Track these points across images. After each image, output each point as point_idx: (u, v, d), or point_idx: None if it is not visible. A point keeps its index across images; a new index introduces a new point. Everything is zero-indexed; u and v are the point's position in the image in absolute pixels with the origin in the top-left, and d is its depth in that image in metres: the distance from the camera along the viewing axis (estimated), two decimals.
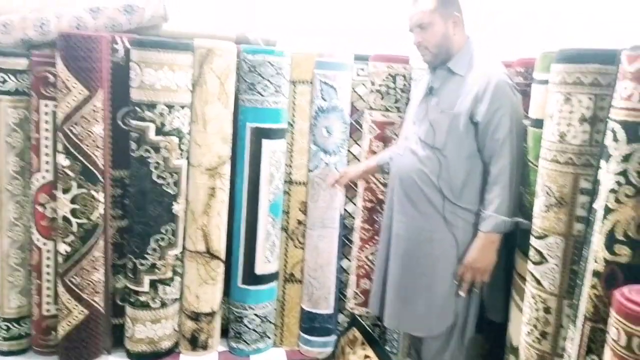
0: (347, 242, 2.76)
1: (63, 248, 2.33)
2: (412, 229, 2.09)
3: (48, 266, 2.44)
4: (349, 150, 2.69)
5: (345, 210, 2.72)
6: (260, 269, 2.61)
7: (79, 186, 2.30)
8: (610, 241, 1.43)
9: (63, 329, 2.38)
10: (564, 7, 2.54)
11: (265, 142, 2.53)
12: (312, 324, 2.72)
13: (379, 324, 2.63)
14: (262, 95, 2.49)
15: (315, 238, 2.66)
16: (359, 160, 2.67)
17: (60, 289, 2.36)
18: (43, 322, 2.48)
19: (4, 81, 2.32)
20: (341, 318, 2.80)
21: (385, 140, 2.54)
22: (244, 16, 2.83)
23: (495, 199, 1.94)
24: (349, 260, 2.74)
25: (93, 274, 2.38)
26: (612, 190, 1.42)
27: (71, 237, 2.32)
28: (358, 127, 2.68)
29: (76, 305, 2.37)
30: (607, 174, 1.44)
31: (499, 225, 1.95)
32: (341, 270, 2.77)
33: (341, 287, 2.78)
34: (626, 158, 1.40)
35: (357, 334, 2.64)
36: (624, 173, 1.40)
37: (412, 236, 2.09)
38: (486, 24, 2.69)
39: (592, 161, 1.61)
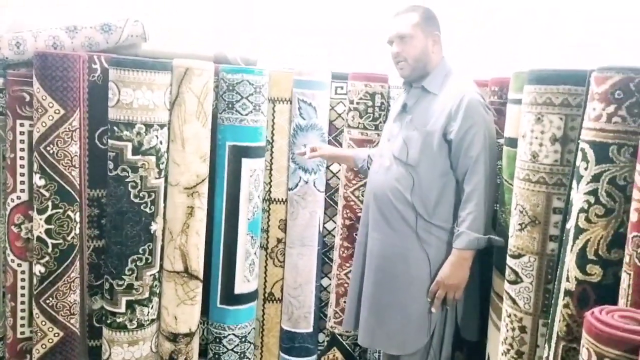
0: (327, 260, 2.75)
1: (38, 269, 2.29)
2: (386, 246, 2.10)
3: (23, 287, 2.40)
4: (328, 168, 2.69)
5: (324, 227, 2.72)
6: (240, 288, 2.59)
7: (55, 206, 2.27)
8: (582, 260, 1.43)
9: (38, 351, 2.34)
10: (540, 26, 2.59)
11: (245, 161, 2.53)
12: (292, 343, 2.70)
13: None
14: (241, 113, 2.49)
15: (295, 256, 2.65)
16: (338, 178, 2.67)
17: (35, 311, 2.32)
18: (18, 345, 2.43)
19: None
20: (321, 337, 2.78)
21: None
22: (223, 35, 2.84)
23: (468, 216, 1.95)
24: (329, 278, 2.73)
25: (69, 295, 2.35)
26: (583, 210, 1.43)
27: (46, 258, 2.29)
28: (337, 145, 2.69)
29: (51, 328, 2.33)
30: (578, 194, 1.46)
31: (472, 242, 1.95)
32: (321, 289, 2.76)
33: (321, 305, 2.77)
34: (596, 178, 1.41)
35: (338, 353, 2.63)
36: (594, 193, 1.42)
37: (385, 253, 2.10)
38: (464, 41, 2.73)
39: (564, 181, 1.63)
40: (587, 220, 1.42)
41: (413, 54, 2.06)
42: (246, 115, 2.49)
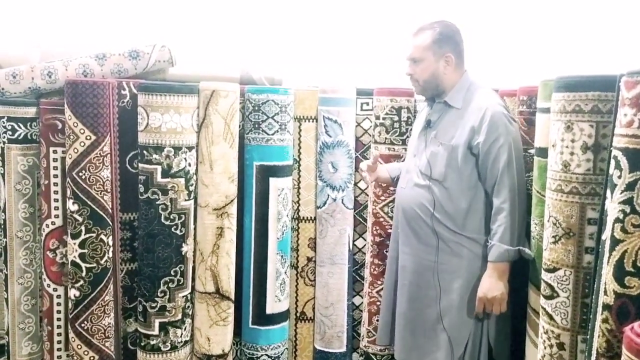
0: (358, 278, 2.72)
1: (73, 293, 2.33)
2: (418, 261, 2.11)
3: (59, 312, 2.44)
4: (356, 185, 2.68)
5: (354, 245, 2.69)
6: (271, 308, 2.58)
7: (88, 230, 2.31)
8: (620, 273, 1.37)
9: None
10: (566, 34, 2.54)
11: (272, 180, 2.53)
12: None
13: None
14: (267, 133, 2.50)
15: (325, 275, 2.62)
16: (367, 195, 2.65)
17: (71, 335, 2.35)
18: None
19: (14, 130, 2.37)
20: (355, 357, 2.74)
21: None
22: (248, 55, 2.86)
23: (499, 229, 1.96)
24: (361, 296, 2.70)
25: (103, 318, 2.37)
26: (618, 220, 1.37)
27: (81, 282, 2.32)
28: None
29: (87, 351, 2.36)
30: (613, 203, 1.40)
31: (502, 255, 1.95)
32: (353, 307, 2.72)
33: (354, 324, 2.73)
34: (630, 186, 1.35)
35: None
36: (629, 202, 1.36)
37: (417, 268, 2.11)
38: (489, 49, 2.70)
39: (598, 190, 1.57)
40: (623, 230, 1.36)
41: (423, 77, 2.12)
42: (272, 134, 2.50)
